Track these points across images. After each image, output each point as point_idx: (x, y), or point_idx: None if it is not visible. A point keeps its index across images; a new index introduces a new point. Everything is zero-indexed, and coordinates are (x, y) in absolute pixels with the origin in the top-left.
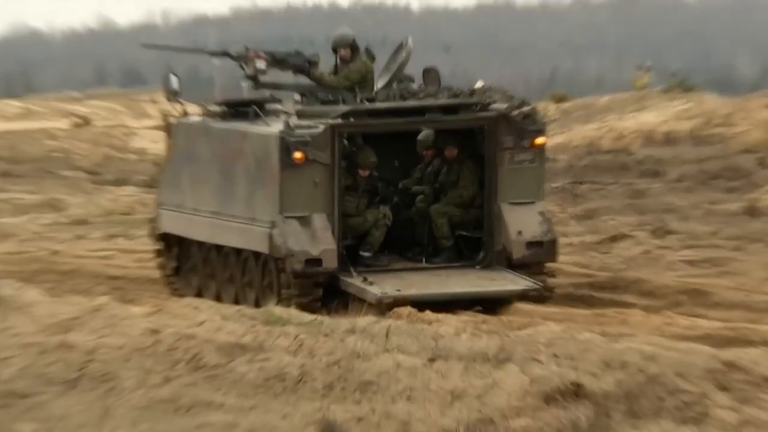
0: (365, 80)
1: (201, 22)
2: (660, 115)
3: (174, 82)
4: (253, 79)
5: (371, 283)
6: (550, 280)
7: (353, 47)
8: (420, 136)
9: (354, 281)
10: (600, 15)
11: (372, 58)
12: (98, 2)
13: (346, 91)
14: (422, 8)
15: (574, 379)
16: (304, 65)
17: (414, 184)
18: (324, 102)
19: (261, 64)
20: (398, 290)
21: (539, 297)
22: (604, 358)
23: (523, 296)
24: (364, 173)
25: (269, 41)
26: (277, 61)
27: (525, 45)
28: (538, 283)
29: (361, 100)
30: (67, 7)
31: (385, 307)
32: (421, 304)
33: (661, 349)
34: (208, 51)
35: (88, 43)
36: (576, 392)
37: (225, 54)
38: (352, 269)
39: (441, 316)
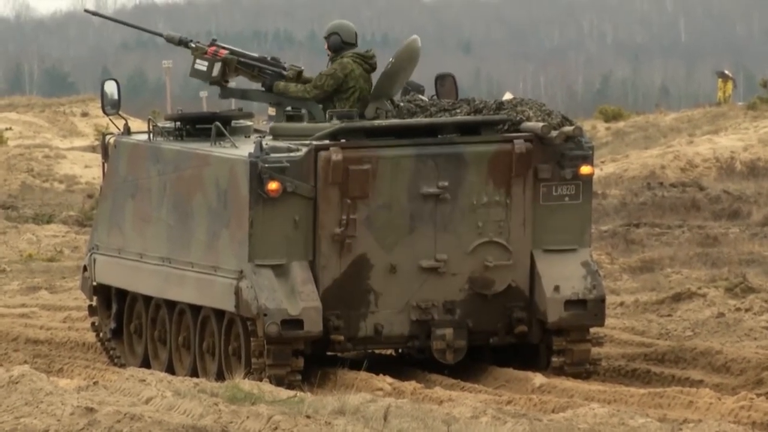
0: (346, 89)
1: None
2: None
3: (112, 89)
4: (219, 84)
5: None
6: (596, 350)
7: (333, 43)
8: None
9: None
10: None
11: (364, 60)
12: None
13: (315, 104)
14: None
15: None
16: (274, 79)
17: None
18: (292, 117)
19: (216, 69)
20: None
21: (581, 372)
22: None
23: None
24: None
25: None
26: (245, 66)
27: (567, 45)
28: None
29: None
30: None
31: None
32: None
33: None
34: (165, 35)
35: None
36: None
37: (184, 43)
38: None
39: (454, 394)
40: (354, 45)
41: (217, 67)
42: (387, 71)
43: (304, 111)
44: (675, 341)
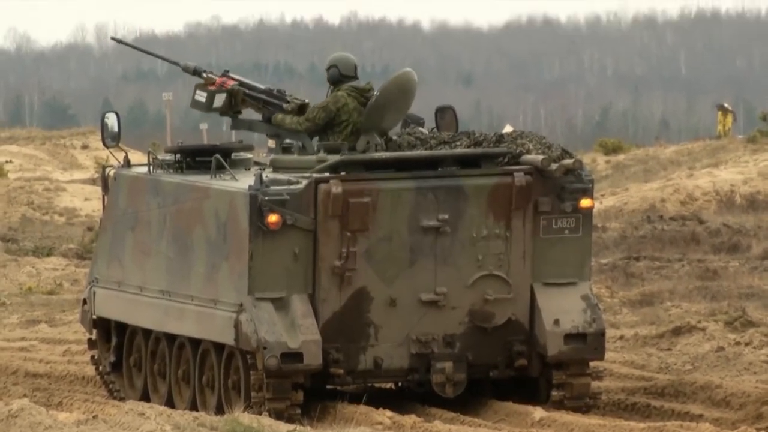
0: (339, 123)
1: (147, 43)
2: (741, 171)
3: (113, 121)
4: (228, 115)
5: None
6: (595, 384)
7: (331, 76)
8: None
9: None
10: (665, 38)
11: (360, 94)
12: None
13: (307, 137)
14: (436, 27)
15: None
16: (275, 111)
17: None
18: (286, 150)
19: (219, 101)
20: None
21: (580, 406)
22: None
23: None
24: None
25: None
26: (251, 98)
27: (568, 77)
28: None
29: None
30: None
31: None
32: None
33: None
34: (182, 65)
35: (0, 68)
36: None
37: (198, 73)
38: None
39: (454, 427)
40: (353, 78)
41: (220, 98)
42: (372, 104)
43: (295, 143)
44: (675, 375)
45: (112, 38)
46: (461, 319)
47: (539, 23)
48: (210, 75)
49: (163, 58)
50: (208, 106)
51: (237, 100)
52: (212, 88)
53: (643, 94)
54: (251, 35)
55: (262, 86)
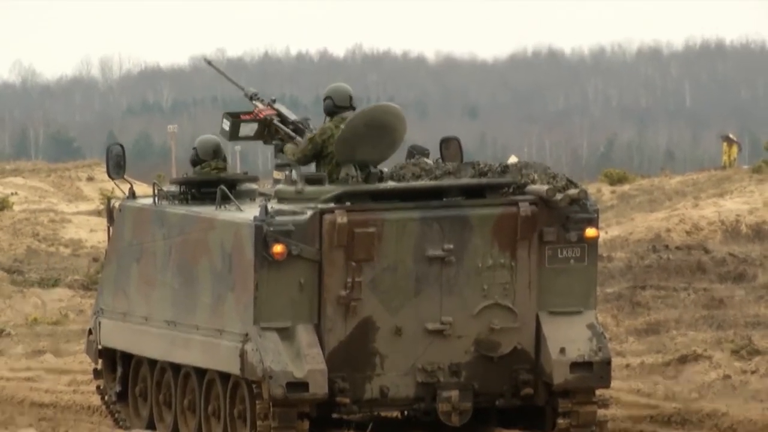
0: (326, 154)
1: (152, 77)
2: (747, 201)
3: (118, 153)
4: (265, 142)
5: None
6: (602, 412)
7: (326, 107)
8: None
9: None
10: (669, 70)
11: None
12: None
13: (298, 167)
14: (440, 59)
15: None
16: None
17: None
18: (309, 180)
19: (249, 130)
20: None
21: None
22: None
23: None
24: None
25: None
26: (279, 128)
27: (572, 108)
28: None
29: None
30: None
31: None
32: None
33: None
34: (244, 91)
35: (5, 101)
36: None
37: (253, 100)
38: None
39: None
40: (348, 108)
41: (251, 127)
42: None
43: (287, 173)
44: (681, 403)
45: (205, 60)
46: (467, 348)
47: (544, 55)
48: (258, 103)
49: (237, 85)
50: (230, 135)
51: (271, 130)
52: (246, 117)
53: (648, 125)
54: (256, 68)
55: (293, 117)
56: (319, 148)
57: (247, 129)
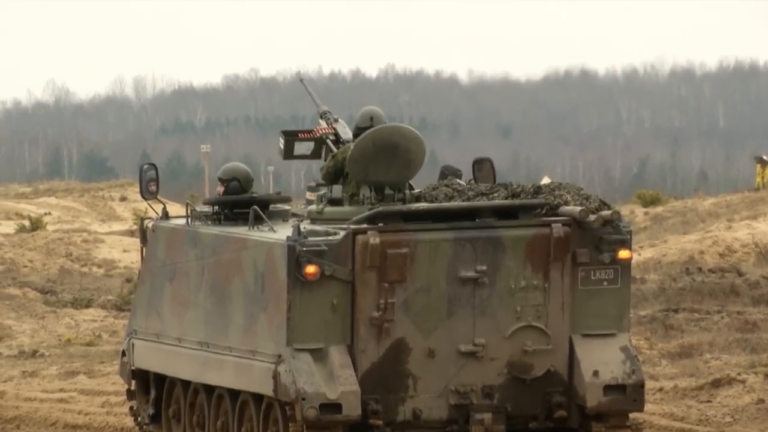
0: (346, 173)
1: (185, 96)
2: None
3: (151, 173)
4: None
5: None
6: None
7: (353, 129)
8: None
9: None
10: (703, 90)
11: None
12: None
13: (325, 186)
14: (473, 79)
15: None
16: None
17: None
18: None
19: (305, 149)
20: None
21: None
22: None
23: None
24: None
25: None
26: (331, 149)
27: (605, 128)
28: None
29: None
30: (9, 74)
31: None
32: None
33: None
34: (318, 110)
35: (38, 121)
36: None
37: (322, 118)
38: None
39: None
40: (369, 128)
41: (308, 146)
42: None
43: (319, 193)
44: (715, 427)
45: (300, 80)
46: (500, 371)
47: (577, 75)
48: (323, 122)
49: (317, 103)
50: (285, 154)
51: (327, 148)
52: (304, 135)
53: (682, 146)
54: (289, 88)
55: (348, 137)
56: (339, 166)
57: (303, 148)
